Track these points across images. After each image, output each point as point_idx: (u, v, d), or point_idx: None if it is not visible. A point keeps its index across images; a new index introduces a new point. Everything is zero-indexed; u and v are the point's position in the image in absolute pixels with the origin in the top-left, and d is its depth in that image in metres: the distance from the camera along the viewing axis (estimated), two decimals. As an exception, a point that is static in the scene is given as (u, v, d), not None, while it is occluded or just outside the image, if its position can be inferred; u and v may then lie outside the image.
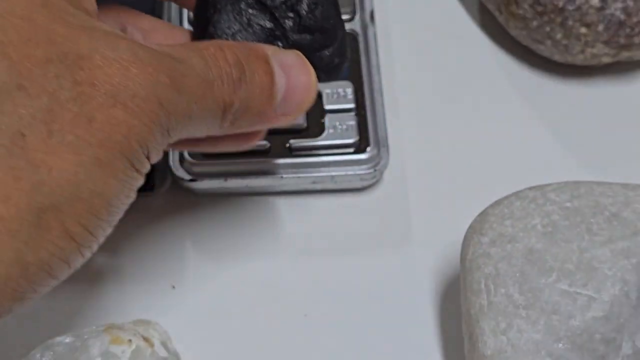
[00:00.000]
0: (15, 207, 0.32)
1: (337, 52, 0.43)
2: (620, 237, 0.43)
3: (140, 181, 0.35)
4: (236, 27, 0.41)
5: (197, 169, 0.50)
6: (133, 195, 0.35)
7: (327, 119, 0.51)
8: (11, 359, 0.46)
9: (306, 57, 0.41)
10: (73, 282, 0.48)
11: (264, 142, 0.50)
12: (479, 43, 0.57)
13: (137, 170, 0.35)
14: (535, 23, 0.53)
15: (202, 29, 0.42)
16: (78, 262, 0.35)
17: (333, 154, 0.50)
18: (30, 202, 0.32)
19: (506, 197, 0.45)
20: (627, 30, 0.51)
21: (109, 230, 0.35)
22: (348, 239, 0.50)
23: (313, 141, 0.50)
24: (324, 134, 0.50)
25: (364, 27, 0.54)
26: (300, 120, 0.51)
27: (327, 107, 0.51)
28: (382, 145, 0.50)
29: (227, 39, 0.41)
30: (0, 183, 0.32)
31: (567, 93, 0.55)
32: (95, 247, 0.35)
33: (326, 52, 0.43)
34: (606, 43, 0.52)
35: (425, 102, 0.55)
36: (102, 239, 0.35)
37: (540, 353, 0.41)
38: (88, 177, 0.33)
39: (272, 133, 0.50)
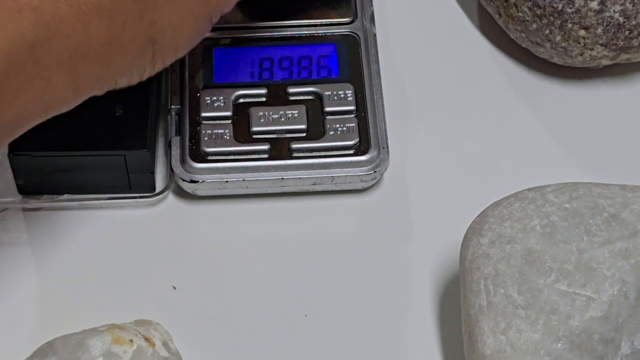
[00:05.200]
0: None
1: None
2: (618, 238, 0.43)
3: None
4: None
5: (197, 171, 0.50)
6: None
7: (328, 121, 0.51)
8: (12, 359, 0.46)
9: None
10: (74, 282, 0.49)
11: (265, 144, 0.50)
12: (478, 45, 0.57)
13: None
14: (534, 26, 0.53)
15: None
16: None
17: (333, 156, 0.50)
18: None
19: (505, 198, 0.45)
20: (626, 32, 0.52)
21: None
22: (348, 240, 0.50)
23: (314, 143, 0.50)
24: (325, 136, 0.51)
25: (365, 30, 0.54)
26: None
27: (328, 109, 0.51)
28: (382, 146, 0.51)
29: None
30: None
31: (566, 95, 0.55)
32: None
33: None
34: (605, 45, 0.52)
35: (425, 104, 0.55)
36: None
37: (539, 353, 0.41)
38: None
39: (273, 135, 0.51)
